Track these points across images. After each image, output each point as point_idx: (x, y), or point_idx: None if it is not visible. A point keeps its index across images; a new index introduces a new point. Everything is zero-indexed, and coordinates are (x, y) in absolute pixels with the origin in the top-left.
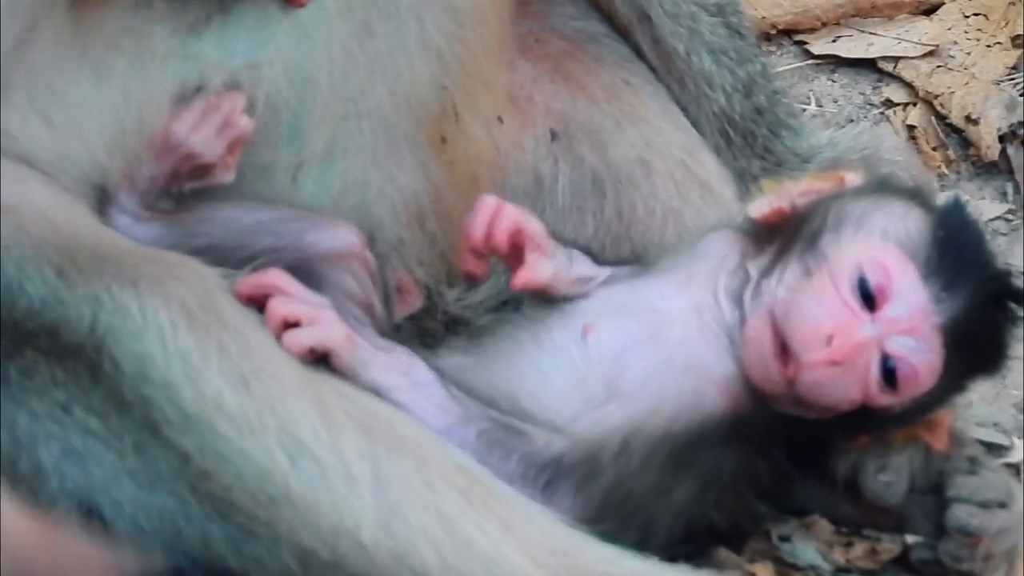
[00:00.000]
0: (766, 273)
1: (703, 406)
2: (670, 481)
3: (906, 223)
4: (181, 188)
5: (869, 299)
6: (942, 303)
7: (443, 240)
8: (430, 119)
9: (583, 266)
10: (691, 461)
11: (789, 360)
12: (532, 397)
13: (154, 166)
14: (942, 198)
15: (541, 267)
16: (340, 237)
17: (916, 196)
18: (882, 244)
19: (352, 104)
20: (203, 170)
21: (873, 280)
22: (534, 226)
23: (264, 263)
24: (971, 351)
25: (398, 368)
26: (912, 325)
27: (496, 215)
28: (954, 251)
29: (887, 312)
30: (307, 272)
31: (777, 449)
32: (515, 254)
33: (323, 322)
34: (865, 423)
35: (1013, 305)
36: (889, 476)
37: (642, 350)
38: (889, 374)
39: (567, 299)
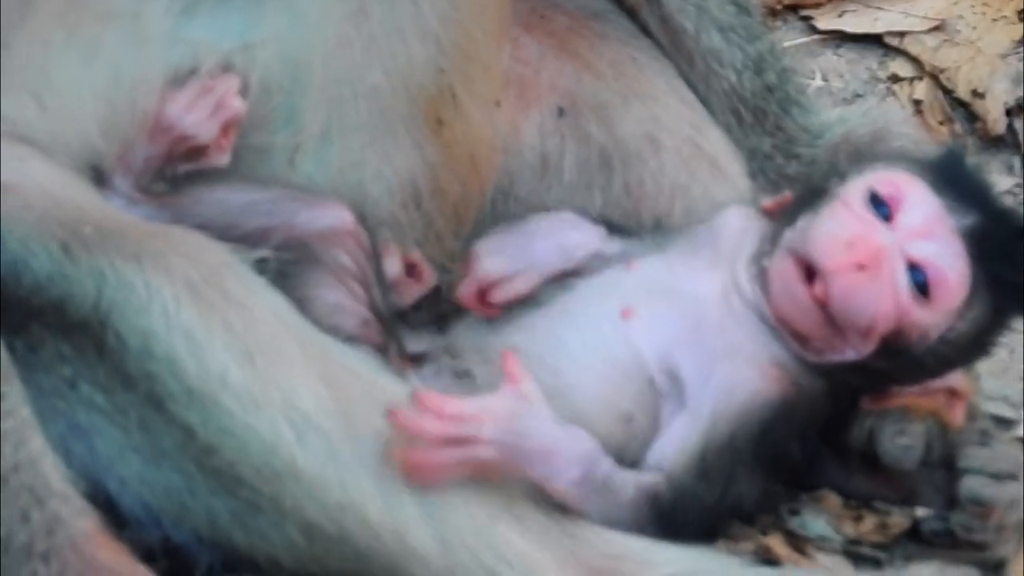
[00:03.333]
0: (780, 234)
1: (752, 393)
2: (735, 480)
3: (906, 159)
4: (175, 170)
5: (883, 211)
6: (955, 212)
7: (440, 220)
8: (427, 101)
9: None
10: (752, 455)
11: (815, 279)
12: (555, 372)
13: (148, 148)
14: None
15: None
16: (332, 215)
17: (913, 155)
18: (888, 169)
19: (348, 86)
20: (197, 152)
21: (884, 192)
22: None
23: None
24: (997, 271)
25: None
26: (930, 228)
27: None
28: (959, 176)
29: (902, 219)
30: (301, 250)
31: (815, 426)
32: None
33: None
34: (905, 362)
35: None
36: (907, 440)
37: (686, 343)
38: (920, 285)
39: (599, 270)
